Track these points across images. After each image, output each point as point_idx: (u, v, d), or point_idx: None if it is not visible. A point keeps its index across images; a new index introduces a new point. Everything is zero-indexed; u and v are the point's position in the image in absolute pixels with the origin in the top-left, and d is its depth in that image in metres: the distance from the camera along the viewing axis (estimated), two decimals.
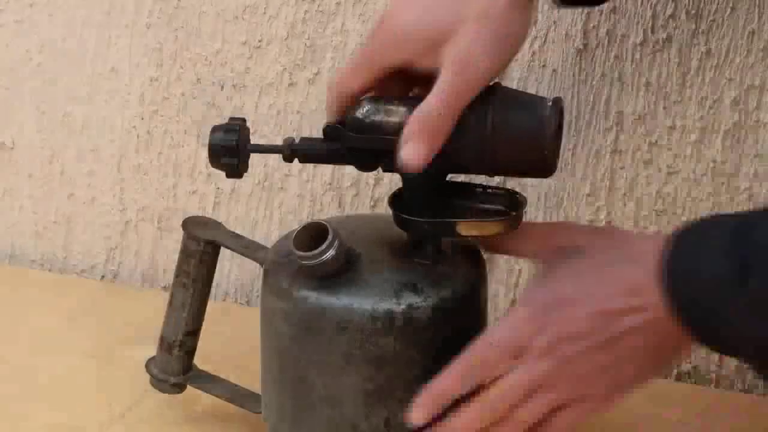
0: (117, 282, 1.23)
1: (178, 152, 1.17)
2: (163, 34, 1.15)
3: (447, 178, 0.84)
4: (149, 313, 1.01)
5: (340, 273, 0.80)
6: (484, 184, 0.85)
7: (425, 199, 0.82)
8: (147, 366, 0.93)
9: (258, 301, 1.13)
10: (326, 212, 1.14)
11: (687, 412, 0.98)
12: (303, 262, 0.79)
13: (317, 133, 0.84)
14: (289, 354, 0.81)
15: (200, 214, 1.16)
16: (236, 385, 0.93)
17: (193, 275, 0.90)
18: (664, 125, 1.03)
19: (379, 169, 0.84)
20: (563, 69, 1.04)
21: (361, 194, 1.12)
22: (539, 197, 1.08)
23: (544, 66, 1.05)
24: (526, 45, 1.04)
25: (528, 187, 1.05)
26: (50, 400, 0.98)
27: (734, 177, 1.03)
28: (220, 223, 0.93)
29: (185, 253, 0.90)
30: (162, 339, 0.92)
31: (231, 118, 0.83)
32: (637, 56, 1.02)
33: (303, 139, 0.84)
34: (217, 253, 0.91)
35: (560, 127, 0.81)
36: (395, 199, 0.84)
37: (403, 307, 0.79)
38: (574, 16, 1.03)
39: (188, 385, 0.93)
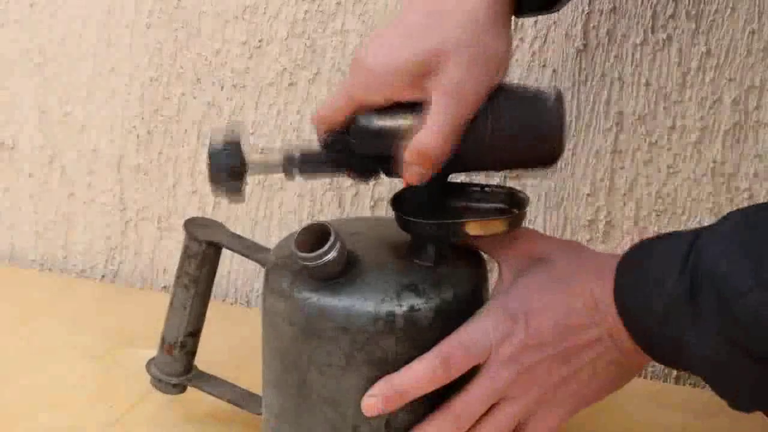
0: (117, 282, 1.23)
1: (178, 152, 1.17)
2: (163, 34, 1.15)
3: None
4: (149, 314, 1.01)
5: (341, 274, 0.80)
6: (483, 183, 0.85)
7: (428, 201, 0.82)
8: (147, 367, 0.93)
9: (259, 302, 1.13)
10: (326, 212, 1.14)
11: (686, 414, 0.98)
12: (304, 263, 0.79)
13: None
14: (290, 355, 0.81)
15: (200, 214, 1.17)
16: (237, 386, 0.93)
17: (195, 276, 0.90)
18: (664, 125, 1.03)
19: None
20: (563, 69, 1.04)
21: (361, 194, 1.12)
22: (539, 197, 1.08)
23: (544, 66, 1.05)
24: (526, 45, 1.04)
25: (528, 187, 1.05)
26: (50, 401, 0.98)
27: (734, 177, 1.03)
28: (221, 225, 0.93)
29: (186, 254, 0.90)
30: (163, 340, 0.92)
31: (225, 142, 0.81)
32: (637, 56, 1.02)
33: (303, 154, 0.83)
34: (218, 255, 0.91)
35: (563, 108, 0.81)
36: (397, 201, 0.83)
37: (404, 308, 0.79)
38: (574, 16, 1.03)
39: (189, 386, 0.93)
